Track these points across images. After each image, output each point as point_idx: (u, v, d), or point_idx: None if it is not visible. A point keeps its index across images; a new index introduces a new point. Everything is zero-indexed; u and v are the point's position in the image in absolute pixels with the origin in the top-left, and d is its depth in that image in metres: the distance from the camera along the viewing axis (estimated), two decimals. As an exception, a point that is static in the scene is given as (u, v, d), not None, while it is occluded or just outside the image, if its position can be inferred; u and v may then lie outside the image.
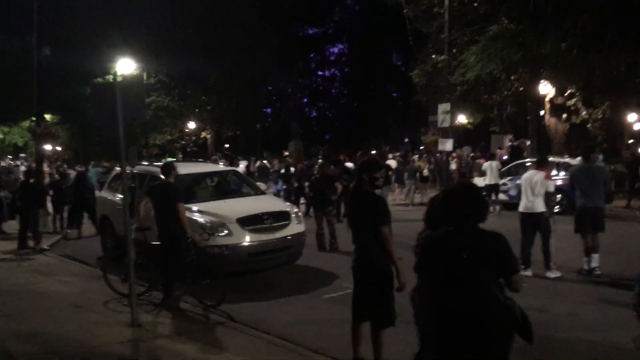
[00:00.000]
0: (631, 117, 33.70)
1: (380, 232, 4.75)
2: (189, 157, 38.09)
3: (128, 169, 8.05)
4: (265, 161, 26.04)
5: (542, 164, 8.67)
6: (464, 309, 3.10)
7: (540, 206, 8.15)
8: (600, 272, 8.20)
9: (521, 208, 8.42)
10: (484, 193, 17.96)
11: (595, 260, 8.22)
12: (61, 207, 14.85)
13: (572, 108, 23.24)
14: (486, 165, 17.85)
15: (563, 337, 5.90)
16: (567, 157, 18.05)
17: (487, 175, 17.38)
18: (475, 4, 20.54)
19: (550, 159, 16.89)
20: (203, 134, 40.03)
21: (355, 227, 5.00)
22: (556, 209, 11.86)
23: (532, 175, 8.39)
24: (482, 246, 3.17)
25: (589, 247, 8.22)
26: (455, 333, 3.12)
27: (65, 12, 29.97)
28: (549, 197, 8.28)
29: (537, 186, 8.20)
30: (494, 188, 17.23)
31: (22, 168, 18.13)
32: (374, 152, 38.86)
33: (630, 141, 28.89)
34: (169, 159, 24.79)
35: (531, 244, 8.21)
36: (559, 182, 15.62)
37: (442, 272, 3.19)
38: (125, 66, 26.28)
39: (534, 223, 8.22)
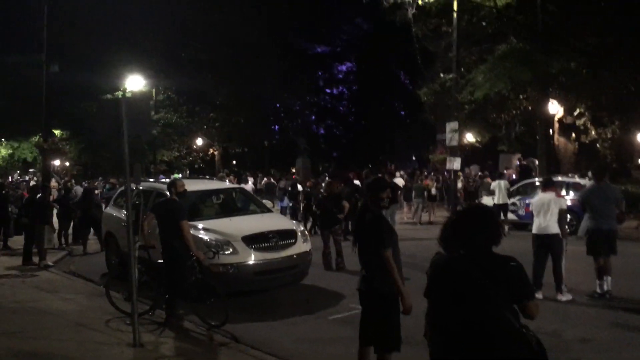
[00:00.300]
0: (641, 137, 33.52)
1: (382, 255, 4.62)
2: (196, 173, 38.16)
3: (133, 186, 7.98)
4: (272, 179, 26.03)
5: (547, 186, 8.52)
6: (475, 336, 2.97)
7: (554, 227, 8.00)
8: (612, 295, 8.00)
9: (535, 230, 8.25)
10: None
11: (608, 283, 8.03)
12: (67, 223, 14.82)
13: (582, 127, 23.14)
14: (495, 184, 17.65)
15: (576, 363, 5.71)
16: (577, 177, 17.87)
17: (495, 194, 17.19)
18: (484, 23, 20.56)
19: (560, 179, 16.83)
20: (211, 151, 40.11)
21: (360, 248, 4.88)
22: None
23: (543, 197, 8.26)
24: (495, 270, 3.03)
25: (602, 269, 8.03)
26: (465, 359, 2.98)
27: (75, 29, 30.23)
28: (563, 216, 8.12)
29: (552, 206, 8.06)
30: (502, 208, 17.02)
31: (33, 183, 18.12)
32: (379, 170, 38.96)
33: (642, 161, 28.60)
34: (176, 176, 24.86)
35: (543, 266, 8.03)
36: (569, 203, 15.49)
37: (451, 298, 3.05)
38: (135, 83, 26.46)
39: (547, 244, 8.05)
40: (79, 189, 16.98)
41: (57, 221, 14.38)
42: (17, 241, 13.97)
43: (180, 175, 26.18)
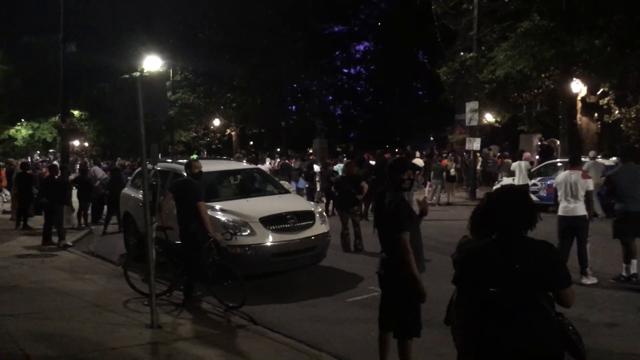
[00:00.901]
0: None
1: (399, 239, 4.46)
2: (213, 154, 38.21)
3: (149, 166, 7.91)
4: (287, 159, 25.91)
5: (575, 163, 8.25)
6: (511, 326, 2.82)
7: (581, 209, 7.77)
8: (639, 279, 7.79)
9: (560, 211, 8.01)
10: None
11: (634, 266, 7.81)
12: (86, 203, 14.88)
13: (605, 107, 22.60)
14: (515, 165, 17.37)
15: (604, 349, 5.53)
16: (600, 157, 17.49)
17: (516, 175, 16.91)
18: (506, 0, 20.03)
19: (582, 159, 16.46)
20: (228, 131, 40.08)
21: (380, 231, 4.74)
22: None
23: (568, 176, 8.00)
24: (531, 257, 2.86)
25: (629, 252, 7.81)
26: (501, 352, 2.83)
27: (92, 9, 30.20)
28: (589, 198, 7.89)
29: (578, 187, 7.83)
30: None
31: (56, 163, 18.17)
32: (397, 150, 38.60)
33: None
34: (193, 156, 24.79)
35: (569, 248, 7.82)
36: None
37: (486, 286, 2.89)
38: (152, 63, 26.41)
39: (573, 227, 7.82)
40: (97, 170, 16.99)
41: (76, 201, 14.43)
42: (37, 221, 14.07)
43: (197, 156, 26.17)
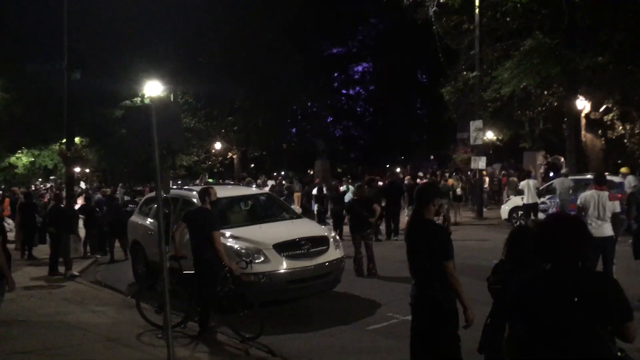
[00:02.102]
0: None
1: (445, 267, 4.32)
2: (215, 178, 38.11)
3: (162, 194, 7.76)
4: (286, 182, 25.83)
5: (600, 183, 8.09)
6: None
7: (608, 229, 7.61)
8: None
9: None
10: (521, 212, 17.57)
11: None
12: (93, 231, 14.68)
13: (609, 123, 22.56)
14: (524, 184, 17.18)
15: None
16: (607, 174, 17.35)
17: (525, 194, 16.75)
18: (507, 19, 20.10)
19: (589, 176, 16.35)
20: (229, 154, 39.99)
21: (415, 259, 4.57)
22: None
23: (596, 196, 7.83)
24: (590, 289, 2.71)
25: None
26: None
27: (91, 35, 30.31)
28: (617, 219, 7.72)
29: (606, 207, 7.68)
30: (532, 207, 16.59)
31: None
32: (398, 170, 38.50)
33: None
34: (210, 181, 24.76)
35: (595, 268, 7.64)
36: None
37: (545, 321, 2.72)
38: (153, 88, 26.38)
39: (601, 247, 7.63)
40: (100, 198, 16.83)
41: (82, 230, 14.26)
42: (42, 250, 13.88)
43: (212, 180, 26.13)
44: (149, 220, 10.70)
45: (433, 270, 4.36)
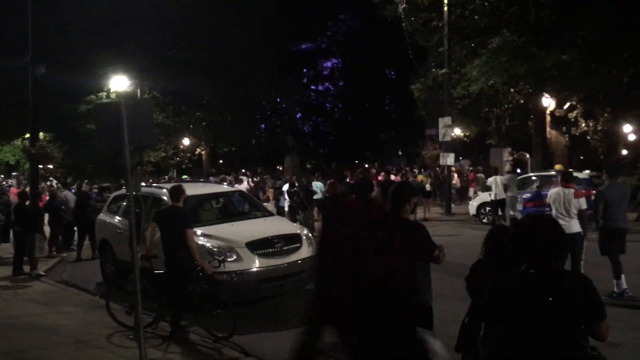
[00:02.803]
0: (626, 128, 33.81)
1: (435, 259, 4.44)
2: (183, 174, 37.67)
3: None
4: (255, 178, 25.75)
5: (567, 181, 8.24)
6: None
7: (575, 226, 7.77)
8: (630, 295, 7.82)
9: None
10: (488, 209, 17.88)
11: (624, 282, 7.85)
12: (58, 230, 14.36)
13: (573, 120, 23.12)
14: (491, 180, 17.49)
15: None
16: (571, 170, 17.76)
17: (492, 190, 17.02)
18: (476, 17, 20.36)
19: (554, 172, 16.69)
20: (198, 150, 39.60)
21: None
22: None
23: (562, 194, 8.00)
24: (565, 289, 2.75)
25: (619, 268, 7.84)
26: None
27: (56, 29, 29.58)
28: (583, 215, 7.89)
29: (572, 204, 7.84)
30: (500, 203, 16.87)
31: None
32: (366, 165, 38.70)
33: None
34: (185, 177, 24.36)
35: (563, 266, 7.79)
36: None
37: (520, 321, 2.76)
38: (119, 83, 25.91)
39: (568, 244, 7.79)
40: (69, 195, 16.46)
41: (48, 228, 13.94)
42: (4, 249, 13.53)
43: (188, 178, 25.83)
44: (118, 218, 10.52)
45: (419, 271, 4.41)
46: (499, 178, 17.26)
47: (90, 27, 30.80)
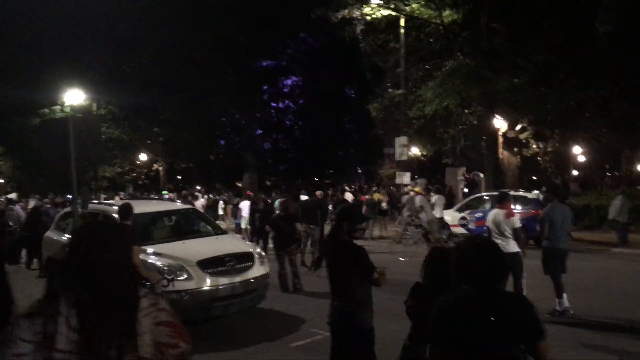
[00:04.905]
0: (576, 149, 35.09)
1: (374, 281, 4.50)
2: (141, 190, 37.07)
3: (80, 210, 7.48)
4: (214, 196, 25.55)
5: (503, 201, 8.40)
6: None
7: (512, 246, 7.94)
8: (572, 313, 8.06)
9: None
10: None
11: (566, 300, 8.10)
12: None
13: (524, 142, 23.78)
14: (435, 198, 18.01)
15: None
16: (521, 191, 18.31)
17: (436, 209, 17.51)
18: (431, 40, 20.87)
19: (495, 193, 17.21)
20: (155, 166, 39.03)
21: (334, 279, 4.63)
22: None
23: (495, 216, 8.20)
24: (507, 310, 2.83)
25: (561, 287, 8.08)
26: None
27: (10, 42, 28.91)
28: (518, 234, 8.07)
29: (504, 225, 8.01)
30: (440, 222, 17.48)
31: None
32: (327, 182, 38.90)
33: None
34: (164, 193, 23.92)
35: (504, 285, 7.94)
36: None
37: (464, 341, 2.82)
38: (74, 97, 25.43)
39: None
40: (19, 211, 15.97)
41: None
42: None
43: (167, 193, 25.46)
44: (66, 236, 10.27)
45: (357, 291, 4.45)
46: (437, 197, 17.88)
47: (45, 40, 30.18)
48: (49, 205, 17.18)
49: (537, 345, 2.86)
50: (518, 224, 8.13)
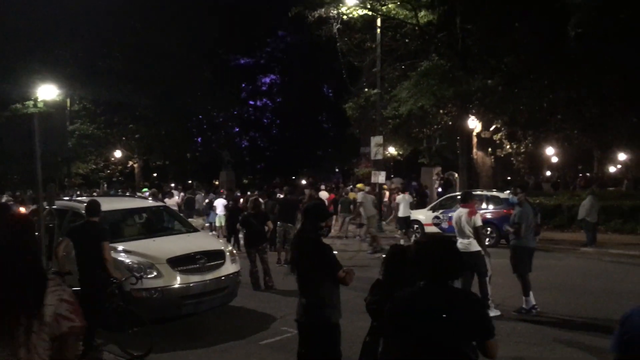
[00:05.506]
0: (549, 150, 35.64)
1: (339, 279, 4.53)
2: (115, 187, 36.64)
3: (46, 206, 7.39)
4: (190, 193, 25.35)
5: (465, 200, 8.50)
6: None
7: (474, 245, 8.04)
8: (539, 311, 8.20)
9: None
10: (397, 226, 18.71)
11: (533, 298, 8.24)
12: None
13: (498, 142, 24.07)
14: (400, 197, 18.30)
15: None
16: (494, 191, 18.55)
17: (401, 208, 17.82)
18: (407, 40, 21.00)
19: (479, 192, 17.45)
20: (130, 163, 38.61)
21: (300, 276, 4.67)
22: (487, 241, 11.77)
23: (459, 215, 8.31)
24: (458, 306, 2.91)
25: (528, 285, 8.22)
26: None
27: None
28: (479, 233, 8.17)
29: (465, 224, 8.12)
30: (405, 220, 17.89)
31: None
32: (304, 182, 38.87)
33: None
34: (144, 190, 23.66)
35: (470, 284, 8.03)
36: (489, 215, 16.01)
37: (415, 336, 2.88)
38: (47, 92, 25.01)
39: (470, 263, 8.03)
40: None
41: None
42: None
43: (149, 189, 25.17)
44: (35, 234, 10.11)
45: (323, 288, 4.49)
46: (407, 196, 18.49)
47: (18, 35, 29.63)
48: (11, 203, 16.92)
49: (486, 343, 2.93)
50: (479, 223, 8.23)
